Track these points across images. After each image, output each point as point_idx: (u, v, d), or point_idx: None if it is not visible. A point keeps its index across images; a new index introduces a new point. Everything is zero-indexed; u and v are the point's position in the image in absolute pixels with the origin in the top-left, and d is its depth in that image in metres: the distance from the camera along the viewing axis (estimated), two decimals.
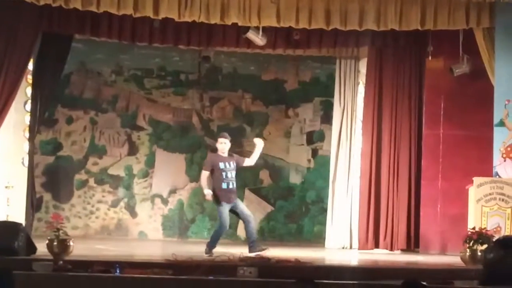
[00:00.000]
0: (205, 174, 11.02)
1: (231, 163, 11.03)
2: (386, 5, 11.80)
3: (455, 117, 12.90)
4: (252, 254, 10.55)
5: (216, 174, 10.96)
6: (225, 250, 10.71)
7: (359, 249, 13.24)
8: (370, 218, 13.28)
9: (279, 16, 11.71)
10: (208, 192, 10.85)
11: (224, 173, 10.91)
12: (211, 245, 10.84)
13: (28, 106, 12.72)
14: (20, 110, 12.58)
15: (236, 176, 11.10)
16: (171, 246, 12.37)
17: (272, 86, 15.40)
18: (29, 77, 12.68)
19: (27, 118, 12.75)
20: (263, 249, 10.74)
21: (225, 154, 11.07)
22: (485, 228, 10.62)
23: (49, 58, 12.94)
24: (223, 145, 11.07)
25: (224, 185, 10.90)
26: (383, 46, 13.46)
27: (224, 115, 15.33)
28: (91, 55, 14.84)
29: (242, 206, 11.10)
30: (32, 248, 9.65)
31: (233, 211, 11.06)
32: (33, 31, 12.17)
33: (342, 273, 9.25)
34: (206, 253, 10.67)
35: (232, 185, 10.96)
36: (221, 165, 10.94)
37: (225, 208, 10.89)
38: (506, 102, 11.67)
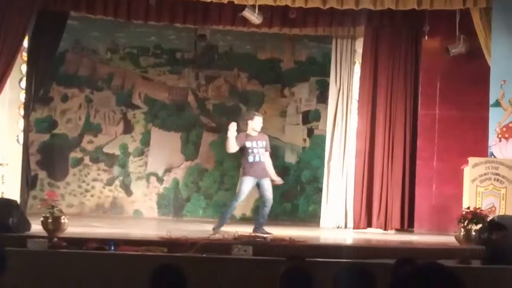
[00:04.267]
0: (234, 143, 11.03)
1: (260, 142, 11.09)
2: None
3: (451, 97, 12.89)
4: (254, 234, 10.50)
5: (244, 150, 11.03)
6: (220, 229, 10.73)
7: (353, 228, 13.27)
8: (365, 197, 13.30)
9: None
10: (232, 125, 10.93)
11: (250, 149, 11.00)
12: (220, 221, 10.89)
13: (23, 84, 12.69)
14: (15, 88, 12.54)
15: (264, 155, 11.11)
16: (166, 224, 12.37)
17: (268, 65, 15.37)
18: (24, 55, 12.64)
19: (22, 96, 12.72)
20: (268, 234, 10.68)
21: (255, 134, 11.14)
22: (479, 208, 10.63)
23: (44, 36, 12.89)
24: (259, 123, 11.18)
25: (250, 158, 10.97)
26: (380, 26, 13.42)
27: (219, 94, 15.30)
28: (86, 32, 14.79)
29: (267, 188, 11.04)
30: (27, 225, 9.65)
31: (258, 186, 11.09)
32: (28, 8, 12.11)
33: (336, 251, 9.27)
34: (213, 229, 10.62)
35: (259, 158, 10.98)
36: (248, 144, 11.00)
37: (248, 181, 10.94)
38: (502, 83, 11.65)
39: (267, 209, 11.05)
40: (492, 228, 9.34)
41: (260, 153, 11.04)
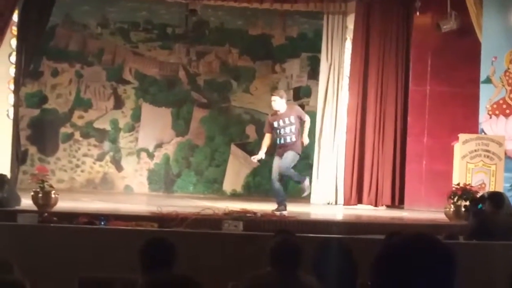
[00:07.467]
0: (265, 136, 11.03)
1: (287, 118, 10.71)
2: None
3: (442, 74, 12.89)
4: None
5: (274, 132, 10.84)
6: (211, 204, 10.73)
7: (344, 204, 13.31)
8: (356, 174, 13.33)
9: None
10: (253, 157, 11.03)
11: (278, 131, 10.75)
12: (278, 201, 10.76)
13: (13, 58, 12.58)
14: (5, 62, 12.45)
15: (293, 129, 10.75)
16: (156, 200, 12.37)
17: (259, 41, 15.32)
18: (14, 29, 12.53)
19: (12, 70, 12.63)
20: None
21: (281, 111, 10.76)
22: (469, 184, 10.68)
23: (34, 10, 12.77)
24: (273, 103, 10.79)
25: (277, 141, 10.81)
26: (371, 2, 13.41)
27: (210, 69, 15.26)
28: (76, 7, 14.70)
29: (274, 164, 10.87)
30: (17, 200, 9.63)
31: None
32: None
33: (326, 227, 9.29)
34: (275, 210, 10.45)
35: (284, 140, 10.73)
36: (275, 124, 10.77)
37: (275, 160, 10.86)
38: (493, 59, 11.66)
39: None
40: (489, 199, 9.27)
41: (287, 131, 10.69)
